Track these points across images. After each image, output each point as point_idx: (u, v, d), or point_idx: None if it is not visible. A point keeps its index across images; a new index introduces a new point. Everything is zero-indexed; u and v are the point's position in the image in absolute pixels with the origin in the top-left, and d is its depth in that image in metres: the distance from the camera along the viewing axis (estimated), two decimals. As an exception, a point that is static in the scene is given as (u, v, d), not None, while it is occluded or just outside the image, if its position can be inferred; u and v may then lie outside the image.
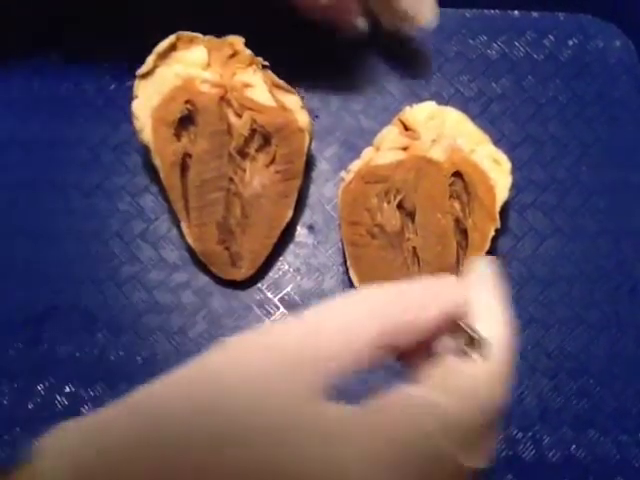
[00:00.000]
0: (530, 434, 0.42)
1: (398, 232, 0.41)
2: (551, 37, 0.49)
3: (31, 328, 0.43)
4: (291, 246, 0.45)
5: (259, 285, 0.44)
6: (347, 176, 0.42)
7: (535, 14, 0.50)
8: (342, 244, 0.43)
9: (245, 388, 0.25)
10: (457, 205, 0.42)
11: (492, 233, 0.41)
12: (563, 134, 0.47)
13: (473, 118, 0.43)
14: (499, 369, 0.27)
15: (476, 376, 0.26)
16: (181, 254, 0.45)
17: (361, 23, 0.43)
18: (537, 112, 0.48)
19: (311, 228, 0.45)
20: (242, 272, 0.43)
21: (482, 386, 0.26)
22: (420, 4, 0.44)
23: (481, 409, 0.25)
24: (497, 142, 0.47)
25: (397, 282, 0.27)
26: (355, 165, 0.42)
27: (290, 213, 0.43)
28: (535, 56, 0.49)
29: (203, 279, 0.44)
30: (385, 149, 0.42)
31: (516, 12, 0.50)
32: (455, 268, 0.41)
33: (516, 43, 0.49)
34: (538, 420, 0.42)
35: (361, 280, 0.42)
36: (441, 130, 0.42)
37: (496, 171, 0.42)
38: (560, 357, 0.43)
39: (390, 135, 0.42)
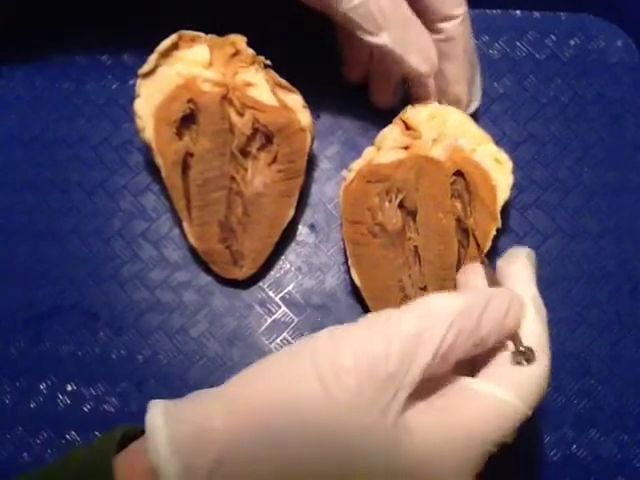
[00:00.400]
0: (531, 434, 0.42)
1: (399, 231, 0.41)
2: (553, 37, 0.49)
3: (33, 327, 0.43)
4: (293, 245, 0.45)
5: (260, 284, 0.44)
6: (348, 175, 0.42)
7: (537, 14, 0.50)
8: (343, 243, 0.43)
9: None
10: (458, 204, 0.42)
11: (493, 232, 0.41)
12: (565, 134, 0.47)
13: (475, 117, 0.43)
14: (545, 372, 0.31)
15: (533, 377, 0.30)
16: (183, 253, 0.45)
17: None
18: (539, 112, 0.48)
19: (312, 227, 0.45)
20: (243, 271, 0.43)
21: (537, 387, 0.30)
22: (469, 90, 0.44)
23: (533, 408, 0.30)
24: (498, 141, 0.47)
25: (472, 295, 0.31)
26: (356, 164, 0.42)
27: (292, 212, 0.43)
28: (537, 56, 0.49)
29: (204, 278, 0.44)
30: (386, 148, 0.42)
31: (518, 12, 0.50)
32: (456, 267, 0.41)
33: (518, 43, 0.49)
34: (539, 420, 0.42)
35: (362, 279, 0.42)
36: (442, 130, 0.42)
37: (497, 171, 0.42)
38: (561, 357, 0.43)
39: (391, 134, 0.42)
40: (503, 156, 0.42)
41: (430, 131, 0.42)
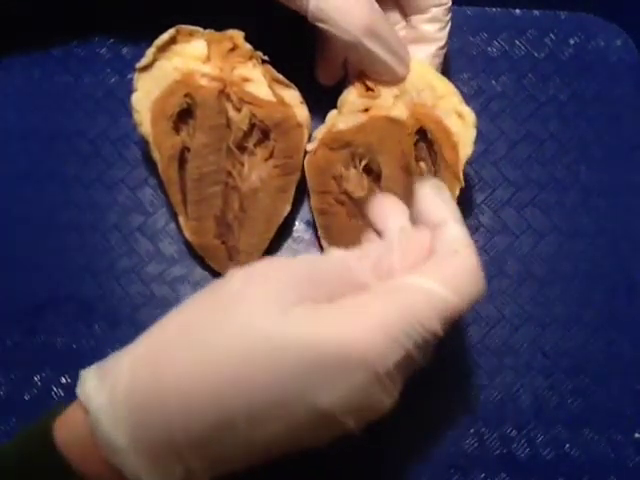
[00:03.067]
0: (525, 432, 0.42)
1: (366, 198, 0.41)
2: (552, 36, 0.49)
3: (28, 319, 0.43)
4: (289, 241, 0.45)
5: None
6: (312, 145, 0.42)
7: (536, 12, 0.50)
8: (312, 215, 0.43)
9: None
10: (423, 165, 0.41)
11: (457, 193, 0.40)
12: (563, 133, 0.47)
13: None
14: (473, 264, 0.30)
15: (461, 268, 0.30)
16: (179, 247, 0.45)
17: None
18: (537, 110, 0.48)
19: (309, 223, 0.45)
20: (239, 266, 0.43)
21: (467, 278, 0.30)
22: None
23: (468, 300, 0.29)
24: (496, 140, 0.47)
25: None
26: (319, 132, 0.42)
27: (288, 208, 0.43)
28: (536, 54, 0.49)
29: (200, 273, 0.44)
30: (346, 113, 0.41)
31: (517, 10, 0.50)
32: None
33: (517, 41, 0.49)
34: (533, 418, 0.42)
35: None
36: (403, 85, 0.41)
37: (460, 126, 0.41)
38: (556, 356, 0.43)
39: (349, 98, 0.41)
40: (465, 109, 0.41)
41: (390, 88, 0.41)
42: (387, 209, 0.35)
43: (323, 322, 0.28)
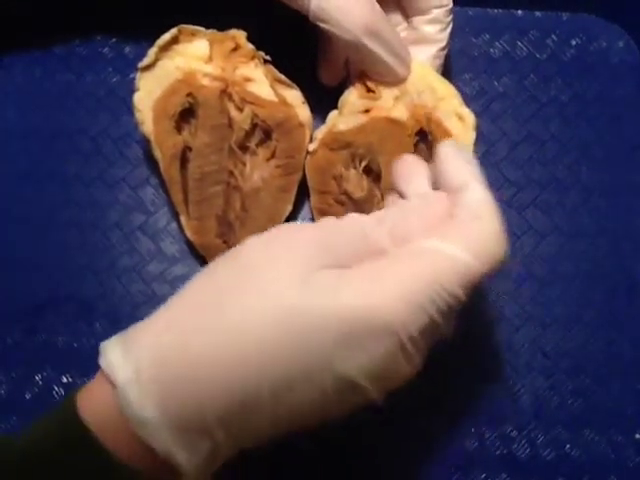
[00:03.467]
0: (525, 432, 0.42)
1: (366, 198, 0.41)
2: (554, 37, 0.49)
3: (29, 318, 0.43)
4: (289, 240, 0.45)
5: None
6: (313, 145, 0.42)
7: (538, 13, 0.50)
8: (312, 214, 0.43)
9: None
10: None
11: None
12: (564, 133, 0.47)
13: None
14: (496, 228, 0.30)
15: (484, 233, 0.30)
16: (180, 247, 0.45)
17: None
18: (538, 111, 0.48)
19: (311, 222, 0.45)
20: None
21: (489, 243, 0.30)
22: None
23: (491, 264, 0.29)
24: (497, 140, 0.47)
25: None
26: (320, 132, 0.42)
27: (290, 207, 0.43)
28: (538, 55, 0.49)
29: (201, 272, 0.44)
30: (346, 113, 0.41)
31: (519, 11, 0.50)
32: None
33: (519, 42, 0.49)
34: (533, 419, 0.42)
35: None
36: (403, 86, 0.41)
37: (459, 127, 0.41)
38: (556, 356, 0.43)
39: (350, 98, 0.41)
40: (465, 111, 0.41)
41: (391, 89, 0.41)
42: (408, 172, 0.35)
43: (346, 289, 0.28)
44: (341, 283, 0.28)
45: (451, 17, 0.42)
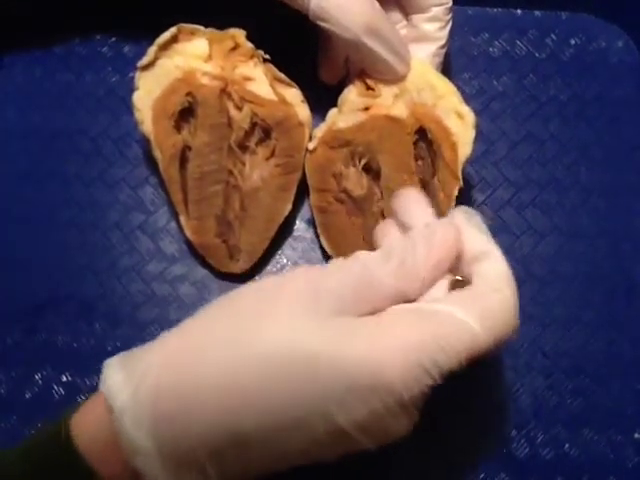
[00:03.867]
0: (524, 432, 0.42)
1: (365, 196, 0.41)
2: (553, 36, 0.49)
3: (29, 317, 0.43)
4: (289, 240, 0.45)
5: (257, 278, 0.44)
6: (313, 143, 0.42)
7: (538, 13, 0.50)
8: (311, 212, 0.43)
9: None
10: (422, 165, 0.41)
11: (456, 192, 0.40)
12: (563, 133, 0.47)
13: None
14: (510, 303, 0.30)
15: (495, 306, 0.30)
16: (179, 246, 0.45)
17: None
18: (538, 111, 0.48)
19: (309, 222, 0.45)
20: (240, 265, 0.43)
21: (499, 316, 0.29)
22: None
23: (499, 340, 0.29)
24: (497, 140, 0.47)
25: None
26: (319, 130, 0.42)
27: (289, 207, 0.43)
28: (537, 55, 0.49)
29: (201, 272, 0.44)
30: (346, 111, 0.41)
31: (519, 10, 0.50)
32: None
33: (518, 41, 0.49)
34: (532, 418, 0.42)
35: (332, 247, 0.42)
36: (403, 84, 0.41)
37: (459, 125, 0.41)
38: (556, 356, 0.43)
39: (350, 96, 0.41)
40: (465, 109, 0.41)
41: (391, 87, 0.41)
42: (412, 204, 0.35)
43: (353, 343, 0.28)
44: (348, 336, 0.28)
45: (451, 15, 0.42)
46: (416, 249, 0.31)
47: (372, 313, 0.30)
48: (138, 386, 0.29)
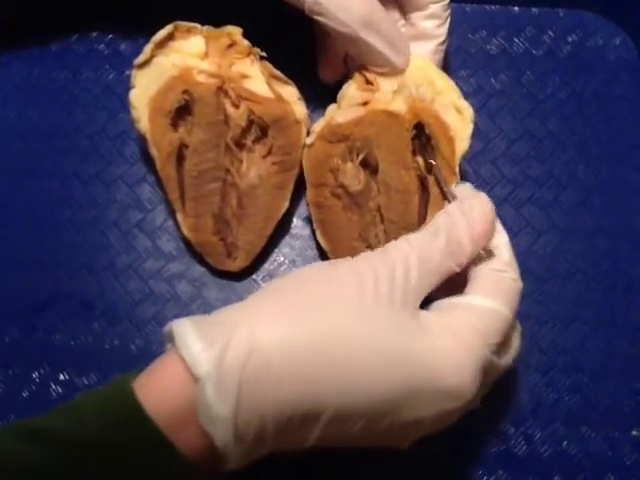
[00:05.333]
0: (522, 429, 0.42)
1: (362, 192, 0.41)
2: (551, 33, 0.49)
3: (27, 316, 0.43)
4: (287, 238, 0.45)
5: (254, 276, 0.44)
6: (310, 138, 0.41)
7: (535, 10, 0.50)
8: (308, 208, 0.43)
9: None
10: (420, 160, 0.41)
11: (453, 187, 0.40)
12: (561, 130, 0.47)
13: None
14: (519, 283, 0.34)
15: (513, 287, 0.34)
16: (177, 244, 0.45)
17: None
18: (536, 108, 0.48)
19: (307, 220, 0.45)
20: (237, 263, 0.43)
21: (516, 295, 0.34)
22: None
23: (514, 313, 0.34)
24: (495, 137, 0.47)
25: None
26: (318, 125, 0.41)
27: (286, 204, 0.43)
28: (534, 52, 0.49)
29: (198, 270, 0.44)
30: (345, 106, 0.41)
31: (516, 8, 0.50)
32: (417, 226, 0.40)
33: (516, 39, 0.49)
34: (530, 415, 0.42)
35: (328, 242, 0.42)
36: (402, 79, 0.41)
37: (457, 120, 0.41)
38: (554, 353, 0.43)
39: (348, 91, 0.41)
40: (463, 104, 0.41)
41: (390, 82, 0.41)
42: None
43: (429, 344, 0.31)
44: (414, 339, 0.31)
45: (449, 12, 0.42)
46: (459, 225, 0.34)
47: (427, 292, 0.33)
48: (223, 354, 0.28)
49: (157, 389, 0.29)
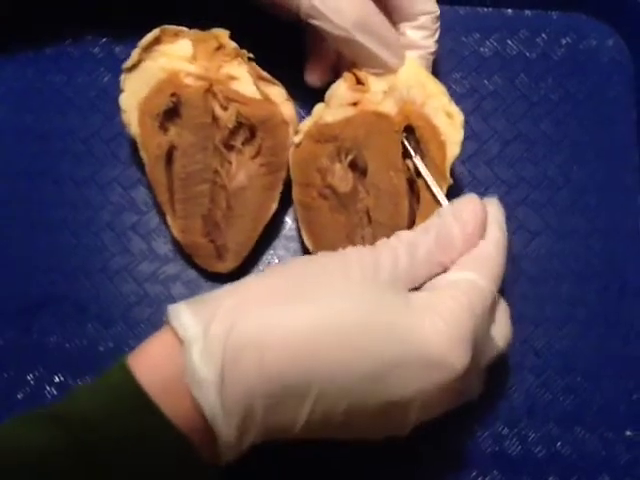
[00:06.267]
0: (516, 430, 0.42)
1: (350, 193, 0.41)
2: (544, 35, 0.49)
3: (21, 318, 0.43)
4: (282, 239, 0.45)
5: (247, 278, 0.44)
6: (297, 137, 0.41)
7: (528, 12, 0.50)
8: (294, 207, 0.43)
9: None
10: (410, 163, 0.41)
11: (444, 191, 0.40)
12: (555, 132, 0.48)
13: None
14: (503, 254, 0.36)
15: (495, 262, 0.35)
16: (172, 247, 0.45)
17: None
18: (529, 110, 0.48)
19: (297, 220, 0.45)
20: (227, 264, 0.43)
21: (497, 268, 0.35)
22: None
23: (498, 285, 0.35)
24: (489, 139, 0.47)
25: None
26: (305, 125, 0.41)
27: (275, 206, 0.43)
28: (528, 54, 0.49)
29: (193, 272, 0.44)
30: (334, 106, 0.41)
31: (509, 10, 0.50)
32: (406, 229, 0.40)
33: (509, 41, 0.49)
34: (525, 416, 0.42)
35: (314, 244, 0.41)
36: (393, 81, 0.41)
37: (448, 125, 0.41)
38: (548, 354, 0.43)
39: (338, 91, 0.41)
40: (454, 109, 0.41)
41: (380, 83, 0.41)
42: None
43: (420, 321, 0.31)
44: (403, 314, 0.32)
45: (438, 24, 0.42)
46: (449, 223, 0.35)
47: (417, 282, 0.34)
48: (209, 321, 0.30)
49: (149, 358, 0.31)
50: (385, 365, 0.30)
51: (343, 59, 0.43)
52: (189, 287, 0.44)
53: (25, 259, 0.45)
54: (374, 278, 0.33)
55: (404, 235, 0.35)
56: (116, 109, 0.46)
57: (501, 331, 0.36)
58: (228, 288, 0.33)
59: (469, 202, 0.36)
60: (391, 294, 0.32)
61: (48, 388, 0.42)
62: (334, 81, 0.43)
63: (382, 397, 0.31)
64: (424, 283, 0.35)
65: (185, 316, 0.30)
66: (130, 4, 0.48)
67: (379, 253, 0.34)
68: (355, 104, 0.41)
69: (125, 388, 0.30)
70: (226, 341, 0.29)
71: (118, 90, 0.43)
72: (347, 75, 0.41)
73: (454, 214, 0.35)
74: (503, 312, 0.37)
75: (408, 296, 0.33)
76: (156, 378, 0.30)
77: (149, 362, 0.31)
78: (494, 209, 0.38)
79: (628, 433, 0.42)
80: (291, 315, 0.30)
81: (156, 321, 0.43)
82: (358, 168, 0.41)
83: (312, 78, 0.45)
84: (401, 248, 0.34)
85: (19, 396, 0.42)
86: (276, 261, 0.45)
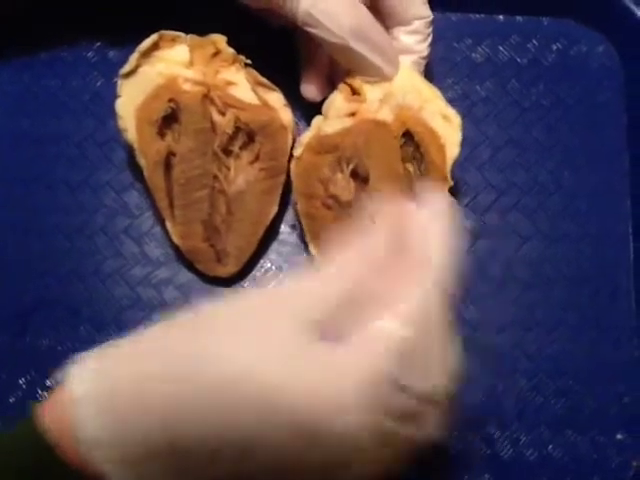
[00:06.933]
0: (508, 433, 0.42)
1: (353, 201, 0.41)
2: (535, 42, 0.50)
3: (14, 322, 0.43)
4: (275, 244, 0.45)
5: (242, 283, 0.44)
6: (298, 150, 0.41)
7: (520, 19, 0.50)
8: (299, 219, 0.43)
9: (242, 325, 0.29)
10: (411, 168, 0.41)
11: (445, 193, 0.41)
12: (546, 138, 0.48)
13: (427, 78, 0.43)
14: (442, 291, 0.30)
15: (428, 302, 0.29)
16: (164, 250, 0.45)
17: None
18: (520, 115, 0.48)
19: (294, 226, 0.45)
20: (228, 269, 0.43)
21: (424, 315, 0.29)
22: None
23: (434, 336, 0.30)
24: (480, 144, 0.47)
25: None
26: (305, 137, 0.42)
27: (274, 210, 0.43)
28: (519, 60, 0.49)
29: (186, 276, 0.44)
30: (332, 117, 0.41)
31: (501, 16, 0.50)
32: None
33: (500, 47, 0.50)
34: (516, 420, 0.42)
35: (321, 253, 0.42)
36: (388, 88, 0.41)
37: (446, 128, 0.41)
38: (539, 358, 0.43)
39: (335, 102, 0.42)
40: (451, 112, 0.41)
41: (375, 91, 0.41)
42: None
43: (310, 376, 0.27)
44: (311, 370, 0.27)
45: (431, 29, 0.43)
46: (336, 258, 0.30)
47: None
48: (98, 381, 0.29)
49: (51, 407, 0.30)
50: (253, 423, 0.27)
51: (338, 69, 0.43)
52: (181, 290, 0.44)
53: (18, 262, 0.45)
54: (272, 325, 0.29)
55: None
56: (109, 113, 0.46)
57: (439, 380, 0.31)
58: (125, 342, 0.31)
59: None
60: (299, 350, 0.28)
61: (40, 392, 0.42)
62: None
63: (262, 461, 0.28)
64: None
65: (76, 373, 0.29)
66: (124, 9, 0.48)
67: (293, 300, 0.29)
68: (353, 114, 0.42)
69: (31, 433, 0.29)
70: (110, 401, 0.28)
71: (112, 94, 0.43)
72: (342, 86, 0.42)
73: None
74: (445, 360, 0.32)
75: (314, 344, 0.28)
76: (55, 426, 0.29)
77: (53, 414, 0.30)
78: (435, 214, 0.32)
79: (619, 436, 0.42)
80: (169, 378, 0.28)
81: (148, 325, 0.43)
82: (359, 176, 0.41)
83: (309, 90, 0.44)
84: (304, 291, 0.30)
85: (11, 400, 0.42)
86: (269, 265, 0.45)
